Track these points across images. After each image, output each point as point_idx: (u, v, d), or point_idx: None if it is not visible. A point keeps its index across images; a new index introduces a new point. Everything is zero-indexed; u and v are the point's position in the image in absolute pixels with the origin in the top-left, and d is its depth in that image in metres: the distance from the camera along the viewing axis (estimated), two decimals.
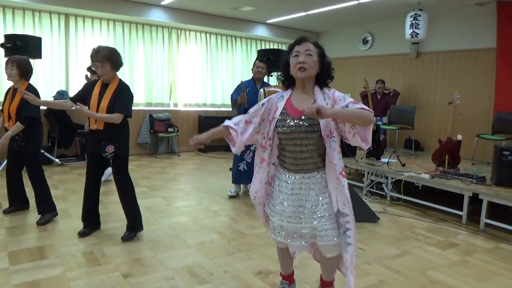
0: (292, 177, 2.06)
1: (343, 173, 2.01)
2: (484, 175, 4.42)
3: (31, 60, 3.72)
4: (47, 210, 3.66)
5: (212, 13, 7.67)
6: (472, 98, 6.53)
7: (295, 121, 1.98)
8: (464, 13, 6.59)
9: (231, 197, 4.73)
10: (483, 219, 3.90)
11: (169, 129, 7.67)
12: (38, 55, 5.79)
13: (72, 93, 5.92)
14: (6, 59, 3.61)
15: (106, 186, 4.83)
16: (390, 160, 5.11)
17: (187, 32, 8.11)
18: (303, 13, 7.31)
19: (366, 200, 4.68)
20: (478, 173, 4.54)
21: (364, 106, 1.89)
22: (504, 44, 5.97)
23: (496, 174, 4.11)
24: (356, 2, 6.39)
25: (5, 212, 3.82)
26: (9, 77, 3.51)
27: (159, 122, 7.64)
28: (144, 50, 7.61)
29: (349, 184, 4.17)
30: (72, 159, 6.72)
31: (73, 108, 3.23)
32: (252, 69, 4.70)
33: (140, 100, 7.67)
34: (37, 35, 6.31)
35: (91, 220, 3.43)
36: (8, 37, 5.55)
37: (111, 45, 7.15)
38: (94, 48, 3.12)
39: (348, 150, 5.33)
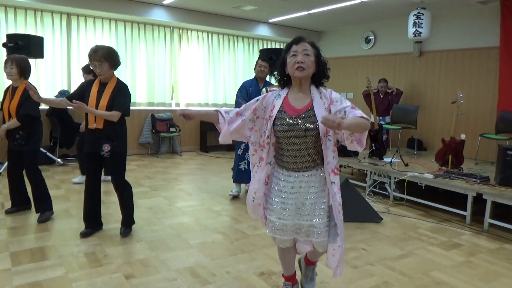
0: (292, 176, 2.08)
1: (335, 170, 2.04)
2: (488, 175, 4.39)
3: (33, 60, 3.72)
4: (46, 208, 3.72)
5: (214, 12, 7.65)
6: (475, 97, 6.50)
7: (293, 119, 2.01)
8: (468, 11, 6.55)
9: (234, 197, 4.71)
10: (487, 219, 3.87)
11: (171, 129, 7.65)
12: (40, 54, 5.79)
13: None
14: (5, 58, 3.63)
15: (107, 186, 4.82)
16: (393, 160, 5.09)
17: (189, 32, 8.10)
18: (305, 12, 7.28)
19: (369, 200, 4.65)
20: (482, 173, 4.51)
21: (363, 114, 1.90)
22: (508, 43, 5.93)
23: (500, 174, 4.09)
24: (358, 1, 6.36)
25: (7, 212, 3.83)
26: (9, 75, 3.54)
27: (161, 122, 7.63)
28: (146, 49, 7.60)
29: (352, 184, 4.18)
30: (74, 158, 6.69)
31: (71, 107, 3.24)
32: (254, 69, 4.68)
33: (142, 100, 7.67)
34: (39, 34, 6.31)
35: (93, 221, 3.42)
36: (10, 36, 5.55)
37: (113, 44, 7.16)
38: (92, 47, 3.13)
39: (350, 150, 5.30)
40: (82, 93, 3.23)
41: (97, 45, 3.17)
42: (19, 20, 6.35)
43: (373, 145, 5.50)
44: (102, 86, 3.20)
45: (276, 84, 2.31)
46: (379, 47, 8.07)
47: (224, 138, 2.15)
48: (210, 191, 5.02)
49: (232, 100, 8.61)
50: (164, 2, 6.97)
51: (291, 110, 2.03)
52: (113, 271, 2.73)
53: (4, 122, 3.62)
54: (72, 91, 6.58)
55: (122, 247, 3.15)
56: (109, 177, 4.96)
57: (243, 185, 4.85)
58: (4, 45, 5.51)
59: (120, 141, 3.23)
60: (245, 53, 8.90)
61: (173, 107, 8.07)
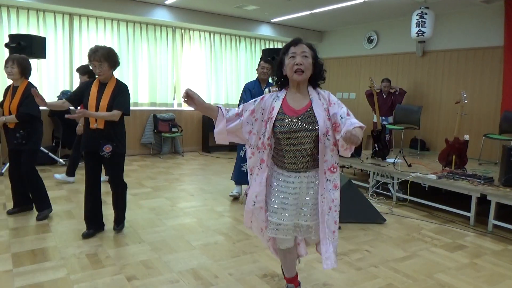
0: (293, 177, 2.09)
1: (332, 169, 2.06)
2: (492, 176, 4.36)
3: (35, 60, 3.73)
4: (45, 206, 3.77)
5: (216, 12, 7.64)
6: (479, 97, 6.45)
7: (293, 120, 2.02)
8: (471, 11, 6.51)
9: (235, 198, 4.69)
10: (491, 221, 3.84)
11: (173, 129, 7.64)
12: (42, 55, 5.78)
13: None
14: (6, 57, 3.65)
15: (107, 186, 4.81)
16: (396, 161, 5.06)
17: (191, 32, 8.08)
18: (308, 12, 7.26)
19: (372, 201, 4.63)
20: (486, 174, 4.48)
21: (360, 123, 1.93)
22: None
23: (504, 174, 4.06)
24: (361, 1, 6.33)
25: (9, 213, 3.83)
26: (10, 75, 3.55)
27: (163, 122, 7.62)
28: (148, 49, 7.59)
29: (354, 184, 4.16)
30: None
31: (72, 108, 3.24)
32: (257, 70, 4.67)
33: (144, 100, 7.66)
34: (41, 35, 6.30)
35: (94, 221, 3.41)
36: (12, 37, 5.55)
37: (115, 44, 7.16)
38: (91, 48, 3.14)
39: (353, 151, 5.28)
40: (81, 94, 3.23)
41: (96, 46, 3.17)
42: (21, 20, 6.34)
43: (376, 145, 5.47)
44: (102, 86, 3.20)
45: None
46: (382, 47, 8.03)
47: (220, 136, 2.12)
48: (212, 192, 5.01)
49: (234, 100, 8.60)
50: (166, 2, 6.95)
51: (290, 111, 2.05)
52: (115, 272, 2.72)
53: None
54: None
55: (124, 248, 3.14)
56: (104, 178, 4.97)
57: (243, 186, 4.83)
58: (6, 45, 5.51)
59: (120, 141, 3.24)
60: (247, 53, 8.88)
61: (175, 108, 8.06)
